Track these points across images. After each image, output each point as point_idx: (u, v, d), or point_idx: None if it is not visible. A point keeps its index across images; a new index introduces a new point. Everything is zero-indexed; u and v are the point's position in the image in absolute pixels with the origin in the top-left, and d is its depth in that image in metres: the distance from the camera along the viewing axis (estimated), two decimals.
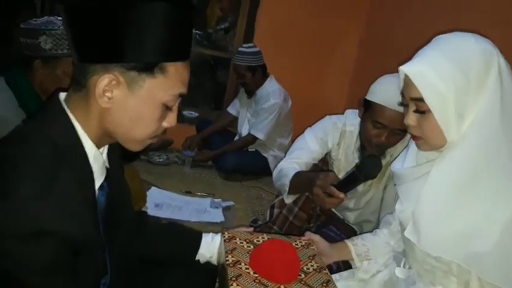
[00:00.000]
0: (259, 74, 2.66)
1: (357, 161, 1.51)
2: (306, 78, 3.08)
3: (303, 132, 1.65)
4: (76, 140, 0.74)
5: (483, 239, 0.79)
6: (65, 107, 0.75)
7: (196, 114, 3.23)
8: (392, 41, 2.54)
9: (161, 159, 2.78)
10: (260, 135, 2.66)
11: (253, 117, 2.76)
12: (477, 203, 0.81)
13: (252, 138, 2.71)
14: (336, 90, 3.13)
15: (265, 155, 2.78)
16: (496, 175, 0.80)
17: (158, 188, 2.34)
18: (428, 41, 0.89)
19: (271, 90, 2.65)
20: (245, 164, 2.71)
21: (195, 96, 3.49)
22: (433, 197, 0.86)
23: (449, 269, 0.87)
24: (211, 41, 3.41)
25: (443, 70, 0.80)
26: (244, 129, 2.85)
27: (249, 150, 2.82)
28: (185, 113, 3.19)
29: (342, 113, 1.62)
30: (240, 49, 2.65)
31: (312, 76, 3.11)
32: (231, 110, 3.00)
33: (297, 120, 2.80)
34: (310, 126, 1.66)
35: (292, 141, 2.66)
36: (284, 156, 1.65)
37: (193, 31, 0.82)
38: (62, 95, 0.77)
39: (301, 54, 3.04)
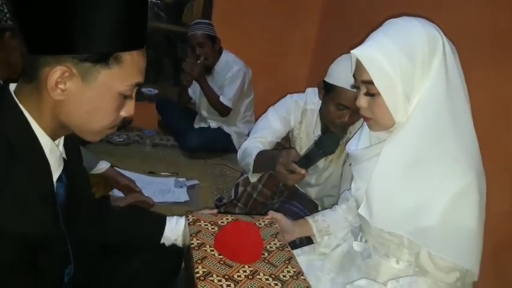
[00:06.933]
0: (218, 46, 2.62)
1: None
2: (267, 54, 3.05)
3: (264, 110, 1.67)
4: (30, 134, 0.71)
5: (429, 214, 0.85)
6: (16, 99, 0.71)
7: (156, 91, 3.13)
8: (352, 15, 2.55)
9: (121, 139, 2.70)
10: (227, 103, 2.60)
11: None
12: (423, 180, 0.86)
13: (221, 105, 2.61)
14: (296, 66, 3.13)
15: (228, 131, 2.76)
16: (441, 153, 0.85)
17: (120, 169, 2.28)
18: (387, 19, 0.91)
19: (230, 59, 2.64)
20: (208, 142, 2.70)
21: (154, 72, 3.38)
22: (383, 176, 0.90)
23: (401, 242, 0.93)
24: (169, 12, 3.27)
25: (391, 54, 0.83)
26: (202, 108, 2.80)
27: (212, 127, 2.79)
28: (145, 90, 3.08)
29: (303, 90, 1.65)
30: (194, 21, 2.62)
31: (273, 52, 3.09)
32: (191, 92, 2.90)
33: (258, 98, 2.79)
34: (271, 103, 1.68)
35: (256, 116, 2.68)
36: (247, 134, 1.67)
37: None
38: (12, 87, 0.73)
39: (261, 30, 3.00)
